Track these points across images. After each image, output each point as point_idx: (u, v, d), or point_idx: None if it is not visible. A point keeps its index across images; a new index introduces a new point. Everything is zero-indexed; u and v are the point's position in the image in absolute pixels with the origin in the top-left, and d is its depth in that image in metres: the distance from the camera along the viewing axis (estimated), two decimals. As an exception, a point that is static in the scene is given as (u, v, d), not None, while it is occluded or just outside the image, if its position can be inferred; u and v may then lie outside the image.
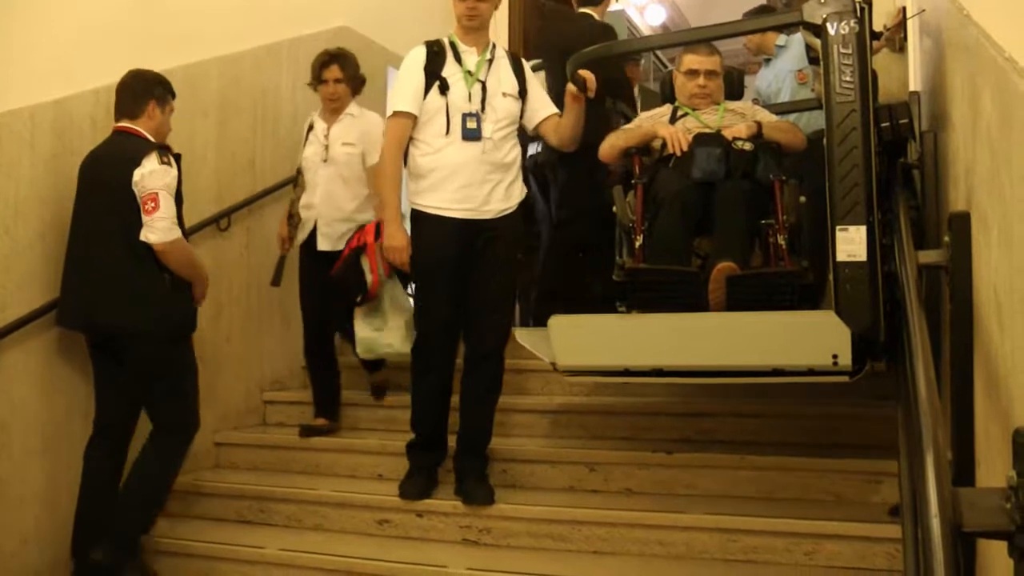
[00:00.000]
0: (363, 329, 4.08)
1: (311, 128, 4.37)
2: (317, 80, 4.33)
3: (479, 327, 3.46)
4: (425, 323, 3.49)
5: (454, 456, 3.58)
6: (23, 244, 3.33)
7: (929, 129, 3.22)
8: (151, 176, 3.20)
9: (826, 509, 3.18)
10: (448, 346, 3.48)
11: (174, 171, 3.27)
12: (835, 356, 2.72)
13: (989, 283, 1.92)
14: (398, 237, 3.42)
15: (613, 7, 8.74)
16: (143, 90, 3.39)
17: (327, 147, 4.26)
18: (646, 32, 9.95)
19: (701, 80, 3.63)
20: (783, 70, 4.95)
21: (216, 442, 4.27)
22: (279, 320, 4.76)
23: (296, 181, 4.39)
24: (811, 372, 2.83)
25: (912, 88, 4.37)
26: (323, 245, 4.22)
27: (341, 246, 4.17)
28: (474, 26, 3.49)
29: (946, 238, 2.20)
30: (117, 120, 3.40)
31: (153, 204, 3.18)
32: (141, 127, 3.36)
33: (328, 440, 4.15)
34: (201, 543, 3.54)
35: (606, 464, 3.60)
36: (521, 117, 3.56)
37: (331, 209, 4.23)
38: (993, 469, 1.83)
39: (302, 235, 4.29)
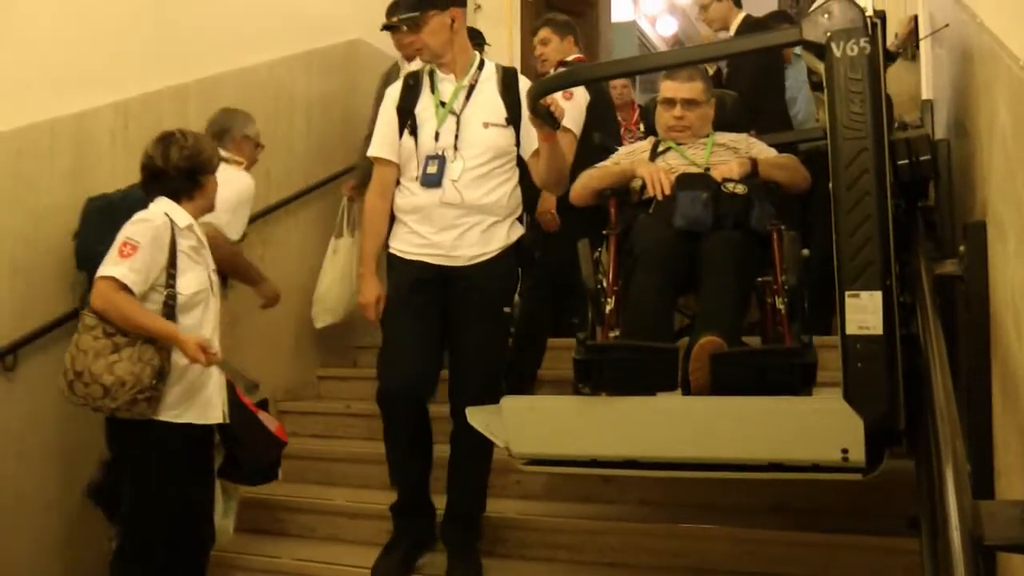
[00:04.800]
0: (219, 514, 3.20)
1: None
2: None
3: (456, 385, 3.15)
4: (385, 377, 3.16)
5: (441, 522, 3.27)
6: (43, 254, 3.38)
7: (944, 138, 3.19)
8: None
9: (842, 520, 3.15)
10: (410, 407, 3.11)
11: None
12: (845, 451, 2.25)
13: (1007, 292, 1.91)
14: (365, 292, 3.17)
15: (623, 19, 8.77)
16: None
17: None
18: (659, 44, 9.97)
19: (677, 111, 3.20)
20: (799, 80, 4.93)
21: (230, 452, 4.26)
22: (293, 330, 4.77)
23: None
24: (816, 468, 2.36)
25: (924, 96, 4.36)
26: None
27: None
28: (424, 59, 3.20)
29: (961, 248, 2.15)
30: None
31: None
32: None
33: (341, 450, 4.17)
34: (215, 552, 3.54)
35: (621, 475, 3.58)
36: (519, 146, 3.15)
37: None
38: (1012, 481, 1.82)
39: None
